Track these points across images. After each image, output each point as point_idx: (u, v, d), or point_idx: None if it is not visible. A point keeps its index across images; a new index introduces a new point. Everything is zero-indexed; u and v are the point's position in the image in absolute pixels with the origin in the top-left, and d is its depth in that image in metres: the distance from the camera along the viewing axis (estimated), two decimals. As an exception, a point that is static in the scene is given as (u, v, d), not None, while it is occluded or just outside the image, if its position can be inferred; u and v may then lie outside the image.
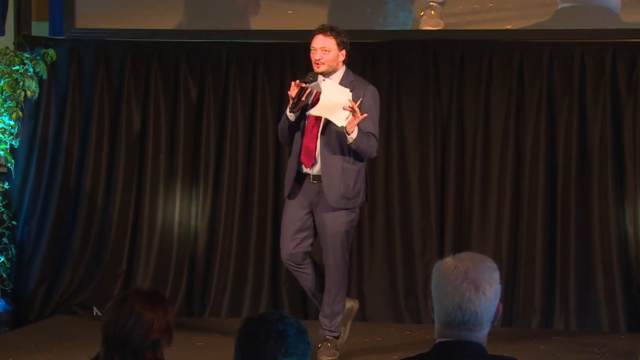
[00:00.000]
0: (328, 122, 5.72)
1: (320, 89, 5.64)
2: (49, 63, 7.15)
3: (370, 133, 5.74)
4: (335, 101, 5.63)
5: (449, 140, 7.38)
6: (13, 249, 7.33)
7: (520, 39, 7.41)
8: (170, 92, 7.64)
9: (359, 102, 5.65)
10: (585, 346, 6.43)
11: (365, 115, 5.63)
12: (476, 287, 2.58)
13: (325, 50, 5.75)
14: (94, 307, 7.46)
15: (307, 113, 5.73)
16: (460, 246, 7.14)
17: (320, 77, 5.71)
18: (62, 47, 7.57)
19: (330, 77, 5.79)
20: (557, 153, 7.27)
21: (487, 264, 2.64)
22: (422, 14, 7.44)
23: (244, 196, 7.52)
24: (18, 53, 7.14)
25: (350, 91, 5.70)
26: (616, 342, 6.65)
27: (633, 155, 7.17)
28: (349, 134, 5.62)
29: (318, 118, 5.75)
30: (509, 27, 7.41)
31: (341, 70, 5.84)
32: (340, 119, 5.63)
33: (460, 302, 2.58)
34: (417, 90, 7.42)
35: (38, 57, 7.08)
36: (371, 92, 5.84)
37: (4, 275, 7.25)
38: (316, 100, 5.68)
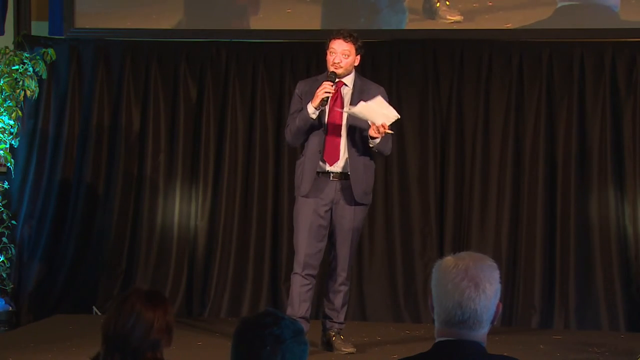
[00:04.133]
0: (351, 122, 5.94)
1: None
2: (48, 62, 7.15)
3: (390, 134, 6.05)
4: (378, 111, 5.86)
5: (448, 140, 7.39)
6: (13, 249, 7.32)
7: (520, 38, 7.42)
8: (170, 92, 7.64)
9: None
10: (584, 345, 6.43)
11: (392, 132, 5.92)
12: (476, 285, 2.58)
13: (346, 54, 5.97)
14: (94, 307, 7.46)
15: (347, 111, 5.90)
16: (459, 246, 7.15)
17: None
18: (61, 47, 7.57)
19: (344, 79, 6.02)
20: (556, 152, 7.27)
21: (487, 263, 2.64)
22: (437, 4, 7.44)
23: (244, 196, 7.53)
24: (18, 52, 7.14)
25: (366, 92, 5.98)
26: (616, 341, 6.64)
27: (633, 155, 7.17)
28: (373, 139, 5.89)
29: (340, 118, 5.96)
30: (508, 26, 7.41)
31: (353, 73, 6.07)
32: (375, 118, 5.83)
33: (460, 300, 2.58)
34: (417, 90, 7.42)
35: (38, 57, 7.08)
36: (383, 94, 6.08)
37: (4, 275, 7.25)
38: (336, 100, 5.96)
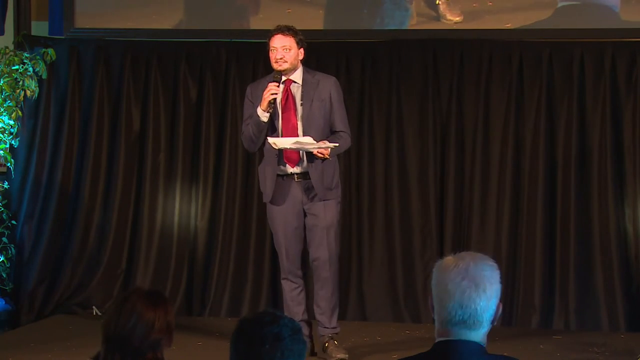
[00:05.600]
0: (306, 119, 5.89)
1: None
2: (48, 63, 7.15)
3: (342, 131, 5.99)
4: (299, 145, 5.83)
5: (448, 140, 7.38)
6: (12, 249, 7.33)
7: (520, 38, 7.41)
8: (170, 92, 7.64)
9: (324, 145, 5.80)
10: (584, 345, 6.44)
11: (328, 155, 5.82)
12: (476, 284, 2.59)
13: (287, 48, 5.89)
14: (94, 307, 7.47)
15: (271, 142, 5.82)
16: (460, 246, 7.14)
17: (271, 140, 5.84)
18: (61, 47, 7.57)
19: (292, 76, 5.93)
20: (556, 152, 7.27)
21: (488, 263, 2.65)
22: (438, 2, 7.44)
23: (244, 196, 7.53)
24: (18, 52, 7.13)
25: (317, 86, 5.92)
26: (616, 341, 6.65)
27: (633, 155, 7.17)
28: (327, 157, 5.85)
29: (294, 117, 5.90)
30: (508, 26, 7.41)
31: (300, 69, 5.99)
32: (311, 143, 5.82)
33: (460, 300, 2.58)
34: (417, 90, 7.42)
35: (37, 57, 7.08)
36: (336, 86, 6.03)
37: (4, 275, 7.25)
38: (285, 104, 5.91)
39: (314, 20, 7.41)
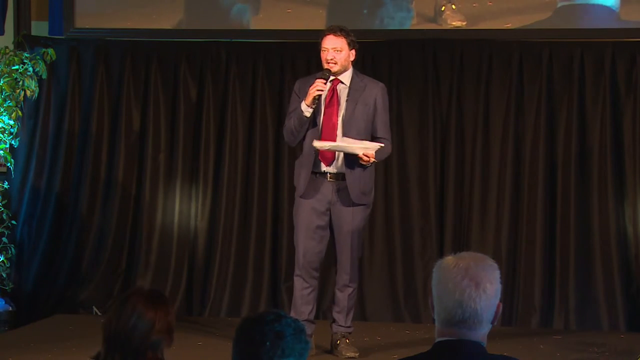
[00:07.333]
0: (347, 120, 5.89)
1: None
2: (48, 62, 7.15)
3: (383, 138, 5.98)
4: (353, 145, 5.83)
5: (448, 140, 7.39)
6: (13, 249, 7.32)
7: (520, 38, 7.42)
8: (170, 92, 7.64)
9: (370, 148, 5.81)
10: (584, 345, 6.44)
11: (374, 158, 5.83)
12: (477, 284, 2.59)
13: (337, 49, 5.90)
14: (94, 307, 7.46)
15: (315, 145, 5.84)
16: (459, 246, 7.15)
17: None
18: (61, 47, 7.57)
19: (340, 76, 5.94)
20: (556, 152, 7.28)
21: (488, 263, 2.65)
22: (443, 8, 7.45)
23: (244, 196, 7.53)
24: (18, 52, 7.13)
25: (364, 89, 5.93)
26: (616, 341, 6.65)
27: (633, 155, 7.18)
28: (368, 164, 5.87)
29: (336, 116, 5.92)
30: (508, 26, 7.41)
31: (350, 70, 6.00)
32: (354, 150, 5.83)
33: (460, 299, 2.58)
34: (417, 90, 7.42)
35: (38, 57, 7.07)
36: (382, 92, 6.03)
37: (4, 275, 7.24)
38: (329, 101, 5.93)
39: (314, 20, 7.41)
